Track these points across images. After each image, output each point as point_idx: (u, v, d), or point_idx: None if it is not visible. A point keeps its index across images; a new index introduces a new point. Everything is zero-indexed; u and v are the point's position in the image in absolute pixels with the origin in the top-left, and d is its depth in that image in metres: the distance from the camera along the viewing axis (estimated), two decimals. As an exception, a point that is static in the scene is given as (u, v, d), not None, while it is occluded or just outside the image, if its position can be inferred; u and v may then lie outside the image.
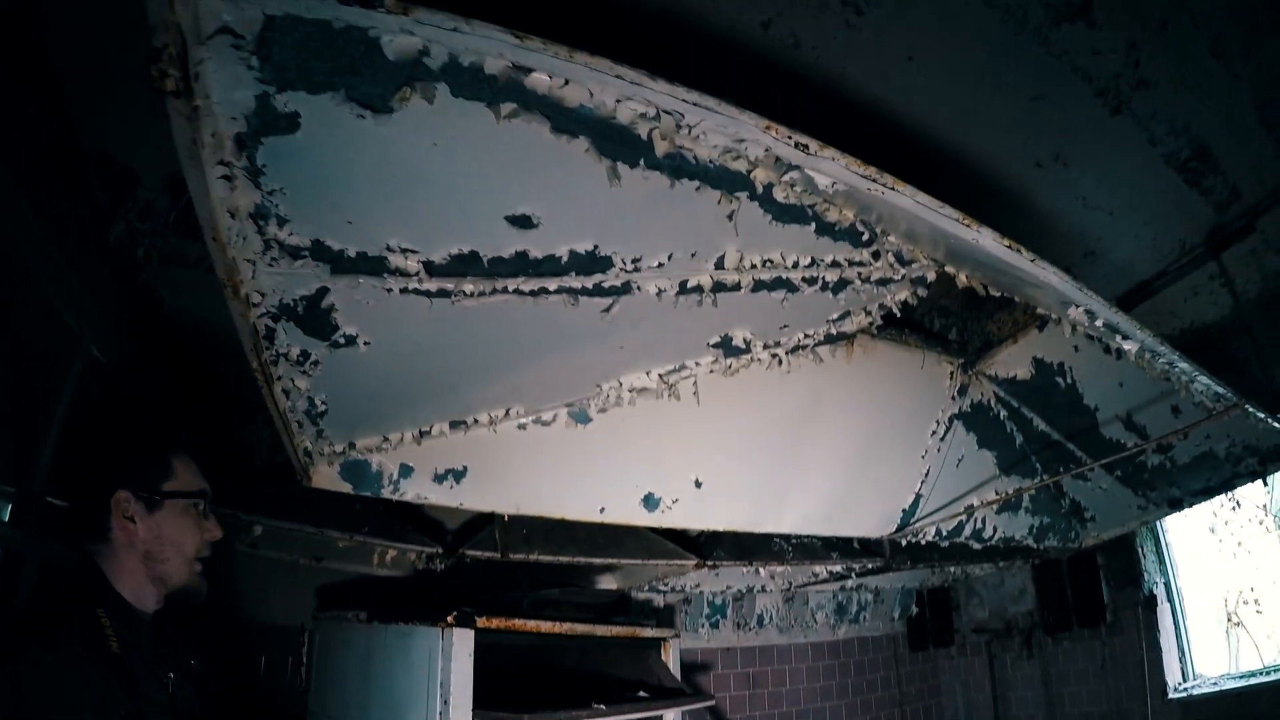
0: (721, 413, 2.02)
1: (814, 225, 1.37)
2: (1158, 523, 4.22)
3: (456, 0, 0.82)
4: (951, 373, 2.53)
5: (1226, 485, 2.76)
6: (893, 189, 1.20)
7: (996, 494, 2.75)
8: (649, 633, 2.95)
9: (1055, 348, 2.39)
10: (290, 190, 0.99)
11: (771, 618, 4.54)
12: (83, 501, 1.43)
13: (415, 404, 1.64)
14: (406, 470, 1.72)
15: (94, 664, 1.22)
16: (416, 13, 0.77)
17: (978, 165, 2.40)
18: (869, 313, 1.86)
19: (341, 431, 1.60)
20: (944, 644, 5.30)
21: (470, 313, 1.33)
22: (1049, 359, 2.44)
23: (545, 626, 2.46)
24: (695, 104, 0.99)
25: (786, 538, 3.25)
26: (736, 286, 1.52)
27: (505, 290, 1.31)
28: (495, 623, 2.24)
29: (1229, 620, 4.14)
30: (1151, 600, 4.17)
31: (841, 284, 1.65)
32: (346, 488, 1.67)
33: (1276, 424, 2.26)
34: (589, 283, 1.36)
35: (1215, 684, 3.95)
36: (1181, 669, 4.11)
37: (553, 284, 1.33)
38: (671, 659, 2.95)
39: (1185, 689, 4.02)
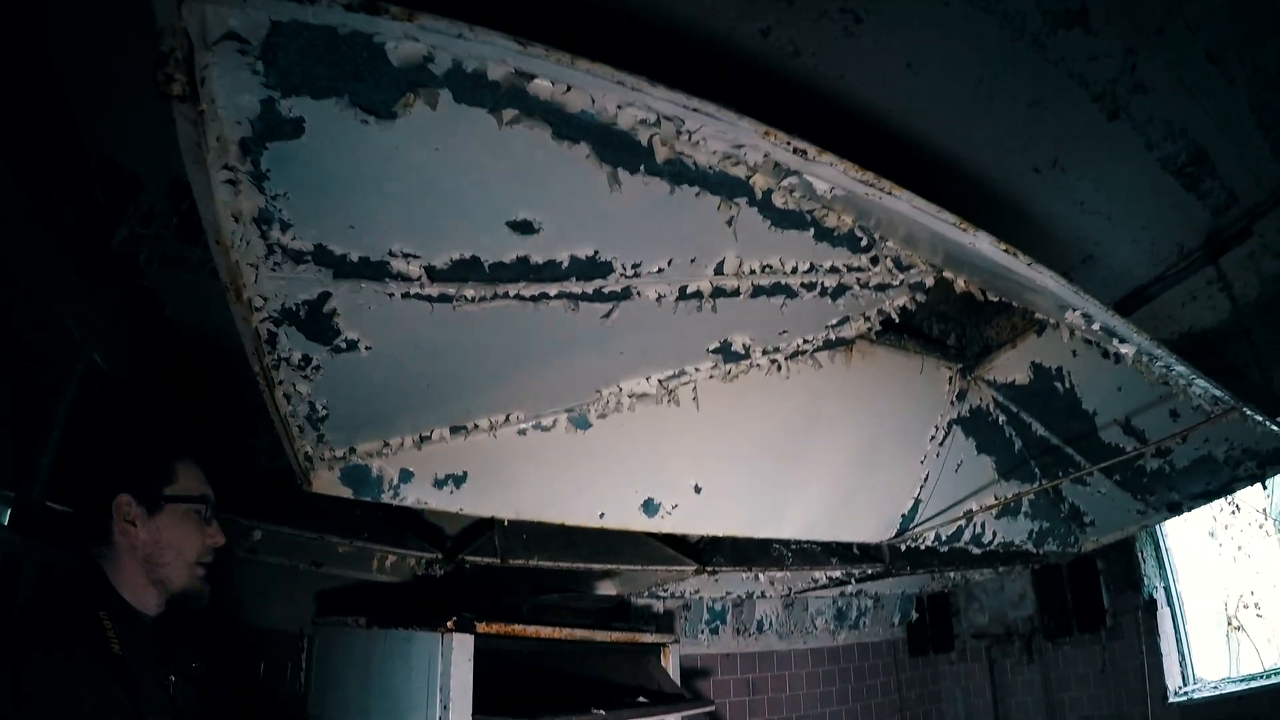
0: (721, 418, 2.02)
1: (813, 230, 1.38)
2: (1157, 527, 4.21)
3: (459, 7, 0.83)
4: (950, 378, 2.53)
5: (1226, 489, 2.77)
6: (890, 194, 1.20)
7: (996, 499, 2.75)
8: (648, 638, 2.94)
9: (1053, 352, 2.40)
10: (294, 195, 0.99)
11: (771, 623, 4.53)
12: (85, 503, 1.43)
13: (416, 409, 1.64)
14: (407, 475, 1.72)
15: (96, 665, 1.22)
16: (421, 19, 0.78)
17: (976, 171, 2.41)
18: (868, 318, 1.87)
19: (342, 436, 1.60)
20: (944, 649, 5.28)
21: (471, 318, 1.33)
22: (1047, 364, 2.45)
23: (545, 632, 2.45)
24: (695, 110, 1.00)
25: (786, 543, 3.25)
26: (736, 292, 1.52)
27: (506, 295, 1.31)
28: (495, 628, 2.24)
29: (1229, 624, 4.14)
30: (1151, 604, 4.17)
31: (840, 289, 1.65)
32: (347, 493, 1.67)
33: (1275, 427, 2.26)
34: (589, 288, 1.37)
35: (1216, 688, 3.94)
36: (1182, 673, 4.10)
37: (553, 289, 1.34)
38: (671, 664, 2.94)
39: (1185, 693, 4.02)
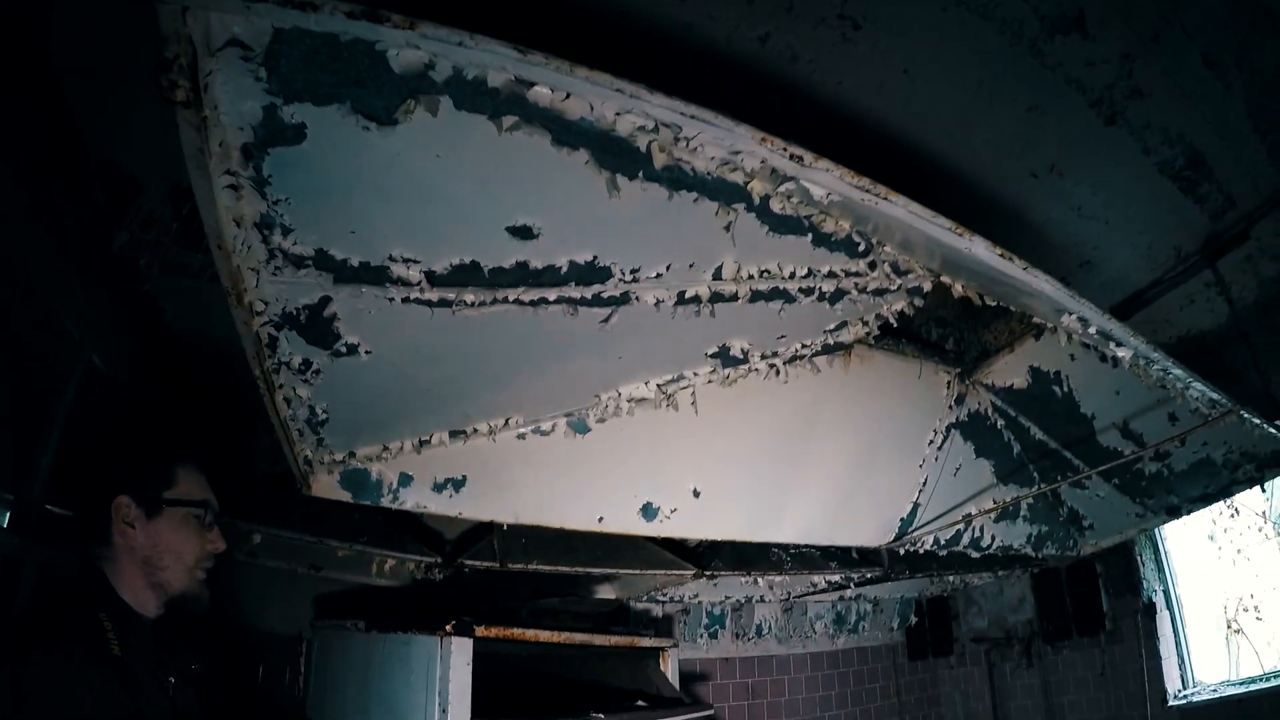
0: (720, 422, 2.03)
1: (810, 236, 1.39)
2: (1156, 530, 4.22)
3: (460, 15, 0.83)
4: (949, 382, 2.54)
5: (1224, 492, 2.77)
6: (886, 199, 1.21)
7: (994, 502, 2.75)
8: (647, 642, 2.94)
9: (1052, 356, 2.40)
10: (295, 200, 1.00)
11: (770, 628, 4.52)
12: (84, 504, 1.43)
13: (415, 413, 1.65)
14: (406, 479, 1.72)
15: (96, 666, 1.22)
16: (423, 27, 0.79)
17: (974, 176, 2.42)
18: (866, 323, 1.87)
19: (342, 440, 1.60)
20: (943, 653, 5.28)
21: (471, 322, 1.34)
22: (1045, 368, 2.45)
23: (544, 636, 2.46)
24: (693, 117, 1.00)
25: (785, 547, 3.25)
26: (734, 297, 1.53)
27: (505, 300, 1.32)
28: (494, 632, 2.24)
29: (1229, 627, 4.14)
30: (1151, 608, 4.17)
31: (838, 294, 1.66)
32: (346, 496, 1.67)
33: (1273, 430, 2.26)
34: (588, 293, 1.38)
35: (1215, 691, 3.94)
36: (1181, 676, 4.10)
37: (552, 294, 1.35)
38: (670, 669, 2.94)
39: (1185, 696, 4.02)
